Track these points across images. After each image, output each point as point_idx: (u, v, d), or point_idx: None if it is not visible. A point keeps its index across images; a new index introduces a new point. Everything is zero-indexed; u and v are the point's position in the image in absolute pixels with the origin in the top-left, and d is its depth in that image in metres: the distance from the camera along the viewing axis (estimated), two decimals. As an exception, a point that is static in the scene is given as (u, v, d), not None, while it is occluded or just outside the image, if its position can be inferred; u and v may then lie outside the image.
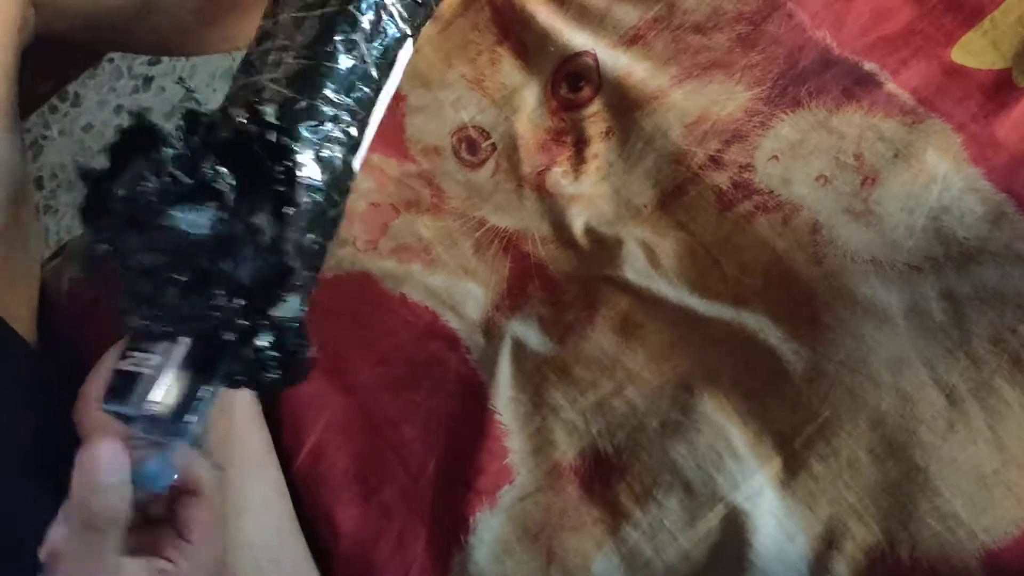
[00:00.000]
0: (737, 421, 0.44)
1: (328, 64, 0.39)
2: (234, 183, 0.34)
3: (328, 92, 0.38)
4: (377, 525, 0.48)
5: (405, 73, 0.56)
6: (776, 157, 0.47)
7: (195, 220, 0.33)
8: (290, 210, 0.34)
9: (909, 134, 0.45)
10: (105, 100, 1.18)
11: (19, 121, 0.57)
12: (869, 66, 0.47)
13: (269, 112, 0.35)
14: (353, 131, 0.40)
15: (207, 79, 1.16)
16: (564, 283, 0.49)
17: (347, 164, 0.39)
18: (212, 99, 1.15)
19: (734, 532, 0.42)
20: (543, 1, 0.54)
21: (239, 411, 0.49)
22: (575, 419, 0.46)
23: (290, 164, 0.35)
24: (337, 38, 0.39)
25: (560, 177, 0.51)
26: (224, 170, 0.34)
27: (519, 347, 0.48)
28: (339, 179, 0.39)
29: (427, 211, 0.53)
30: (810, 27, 0.48)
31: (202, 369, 0.35)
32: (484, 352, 0.49)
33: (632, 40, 0.51)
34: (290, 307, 0.35)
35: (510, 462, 0.46)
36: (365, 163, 0.54)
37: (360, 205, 0.53)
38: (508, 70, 0.54)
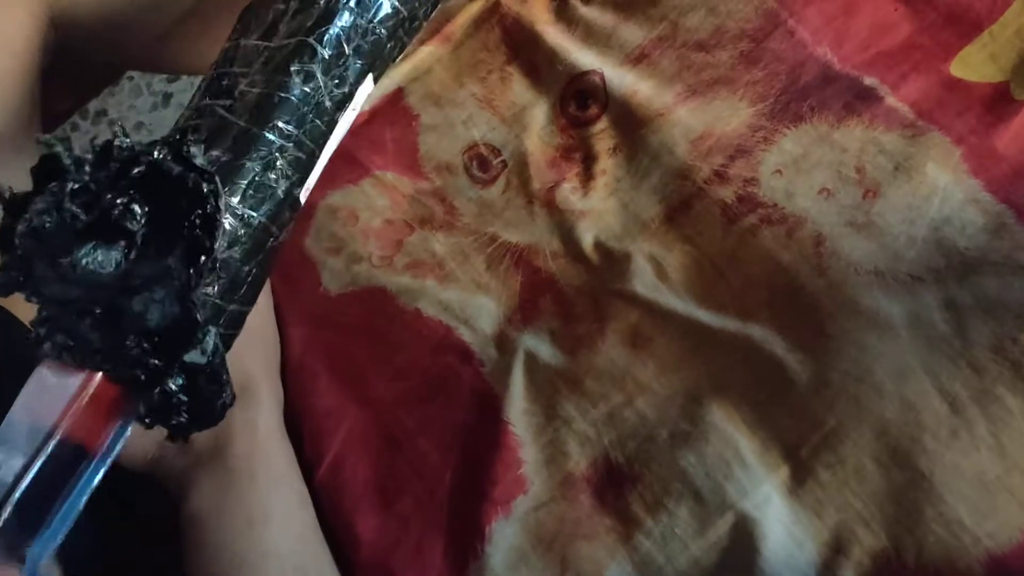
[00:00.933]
0: (745, 431, 0.45)
1: (282, 94, 0.38)
2: (143, 222, 0.32)
3: (279, 122, 0.38)
4: (396, 534, 0.49)
5: (417, 93, 0.57)
6: (780, 171, 0.48)
7: (100, 258, 0.32)
8: (204, 256, 0.33)
9: (909, 147, 0.46)
10: (125, 117, 1.21)
11: (43, 141, 0.58)
12: (869, 81, 0.48)
13: (195, 152, 0.33)
14: (301, 163, 0.39)
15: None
16: (575, 297, 0.50)
17: (291, 195, 0.39)
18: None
19: (743, 539, 0.43)
20: (551, 21, 0.55)
21: (263, 425, 0.50)
22: (587, 430, 0.47)
23: (210, 208, 0.33)
24: (294, 68, 0.39)
25: (569, 193, 0.52)
26: (136, 208, 0.32)
27: (531, 360, 0.49)
28: (280, 210, 0.38)
29: (440, 228, 0.54)
30: (811, 43, 0.49)
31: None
32: (497, 365, 0.50)
33: (638, 59, 0.52)
34: (205, 349, 0.34)
35: (524, 472, 0.47)
36: (379, 182, 0.56)
37: (375, 222, 0.55)
38: (518, 89, 0.55)
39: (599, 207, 0.51)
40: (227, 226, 0.35)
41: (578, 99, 0.53)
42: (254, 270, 0.37)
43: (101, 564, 0.49)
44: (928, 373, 0.42)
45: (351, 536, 0.50)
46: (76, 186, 0.32)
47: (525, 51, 0.55)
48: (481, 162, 0.55)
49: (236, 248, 0.36)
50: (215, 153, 0.36)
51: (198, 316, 0.33)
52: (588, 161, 0.52)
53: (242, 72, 0.39)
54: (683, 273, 0.48)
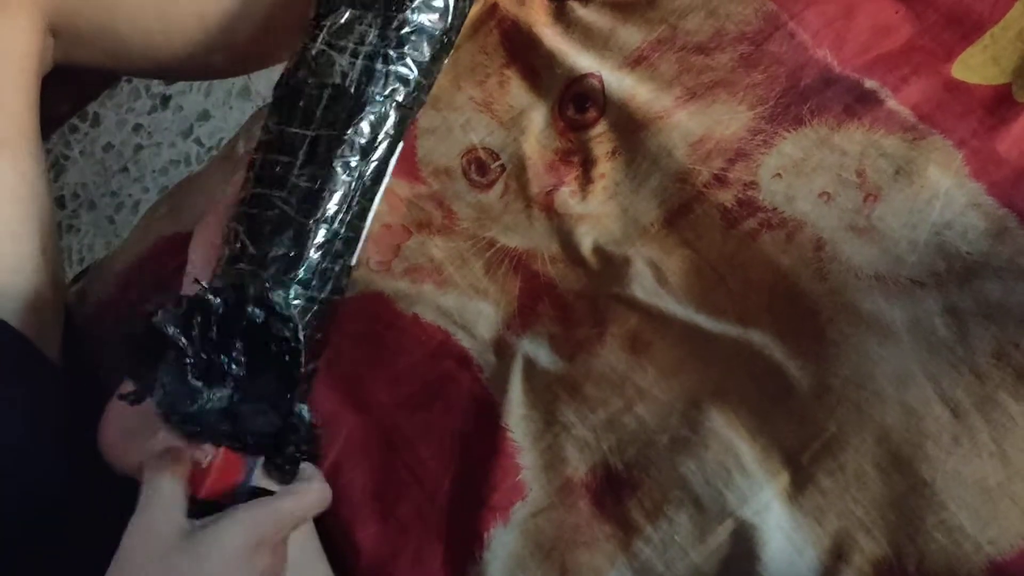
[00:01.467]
0: (745, 437, 0.44)
1: (330, 186, 0.44)
2: (245, 369, 0.41)
3: (330, 211, 0.44)
4: (395, 542, 0.49)
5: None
6: (779, 175, 0.47)
7: (215, 398, 0.41)
8: (294, 382, 0.41)
9: (911, 150, 0.46)
10: (124, 119, 1.21)
11: (41, 145, 0.58)
12: (870, 83, 0.48)
13: (276, 300, 0.42)
14: (352, 241, 0.45)
15: (223, 97, 1.18)
16: (573, 301, 0.50)
17: (346, 266, 0.45)
18: (228, 117, 1.17)
19: (743, 546, 0.43)
20: (549, 24, 0.55)
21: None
22: (586, 436, 0.47)
23: (294, 343, 0.41)
24: (336, 161, 0.44)
25: (568, 197, 0.52)
26: (239, 359, 0.41)
27: (530, 365, 0.49)
28: (339, 283, 0.45)
29: (438, 232, 0.54)
30: (811, 46, 0.49)
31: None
32: (496, 370, 0.50)
33: (636, 61, 0.52)
34: (300, 435, 0.43)
35: (523, 478, 0.47)
36: (377, 186, 0.55)
37: (373, 226, 0.54)
38: (516, 92, 0.55)
39: (598, 211, 0.51)
40: (294, 310, 0.43)
41: (576, 102, 0.53)
42: (322, 335, 0.45)
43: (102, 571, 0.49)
44: (929, 379, 0.42)
45: (350, 543, 0.49)
46: (191, 359, 0.41)
47: (523, 54, 0.55)
48: (479, 166, 0.54)
49: (318, 327, 0.44)
50: (280, 251, 0.43)
51: (296, 423, 0.42)
52: (587, 165, 0.52)
53: (288, 161, 0.44)
54: (683, 278, 0.48)
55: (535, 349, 0.49)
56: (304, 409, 0.43)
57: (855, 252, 0.45)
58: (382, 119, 0.46)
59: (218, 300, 0.41)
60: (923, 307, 0.43)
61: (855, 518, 0.42)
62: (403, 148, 0.56)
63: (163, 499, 0.40)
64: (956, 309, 0.43)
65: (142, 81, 1.20)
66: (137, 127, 1.20)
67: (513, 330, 0.50)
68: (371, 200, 0.46)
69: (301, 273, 0.43)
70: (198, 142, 1.18)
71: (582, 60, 0.53)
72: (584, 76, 0.53)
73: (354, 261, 0.46)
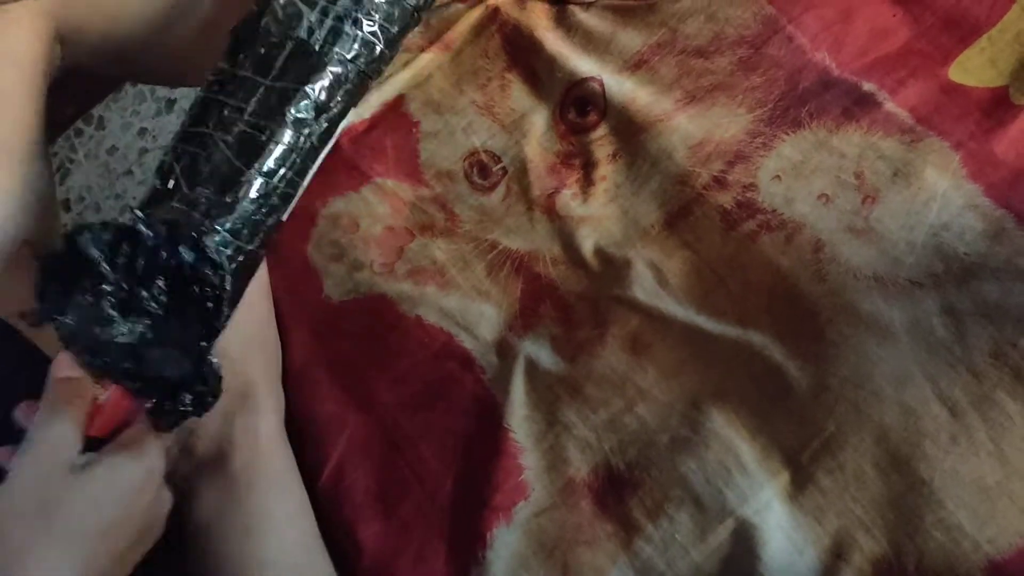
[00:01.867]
0: (745, 436, 0.45)
1: (277, 139, 0.43)
2: (164, 306, 0.40)
3: (272, 163, 0.43)
4: (398, 541, 0.49)
5: (418, 100, 0.58)
6: (779, 177, 0.48)
7: (127, 333, 0.40)
8: (214, 331, 0.40)
9: (908, 152, 0.46)
10: (129, 123, 1.21)
11: (47, 148, 0.59)
12: (868, 86, 0.48)
13: (209, 244, 0.40)
14: (289, 197, 0.44)
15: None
16: (575, 303, 0.50)
17: (277, 221, 0.44)
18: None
19: (744, 545, 0.43)
20: (550, 28, 0.55)
21: (264, 432, 0.50)
22: (588, 436, 0.47)
23: (221, 293, 0.40)
24: (289, 115, 0.43)
25: (569, 199, 0.52)
26: (159, 297, 0.40)
27: (532, 366, 0.50)
28: (268, 237, 0.44)
29: (441, 234, 0.54)
30: (809, 49, 0.49)
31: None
32: (498, 371, 0.50)
33: (636, 65, 0.53)
34: (208, 386, 0.42)
35: (525, 479, 0.47)
36: (380, 189, 0.56)
37: (376, 229, 0.55)
38: (517, 95, 0.55)
39: (599, 213, 0.52)
40: (224, 258, 0.41)
41: (577, 105, 0.53)
42: (241, 288, 0.43)
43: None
44: (928, 379, 0.42)
45: (353, 543, 0.50)
46: (109, 288, 0.39)
47: (525, 58, 0.56)
48: (481, 169, 0.55)
49: (232, 276, 0.41)
50: (207, 191, 0.42)
51: (207, 374, 0.41)
52: (588, 167, 0.52)
53: (238, 106, 0.43)
54: (683, 279, 0.48)
55: (537, 350, 0.50)
56: (215, 361, 0.41)
57: (854, 253, 0.45)
58: (341, 81, 0.44)
59: (151, 232, 0.39)
60: (921, 307, 0.43)
61: (854, 517, 0.42)
62: (406, 151, 0.57)
63: (57, 436, 0.40)
64: (954, 309, 0.43)
65: (147, 86, 1.21)
66: (142, 131, 1.21)
67: (515, 331, 0.51)
68: (313, 161, 0.45)
69: (232, 221, 0.42)
70: (202, 145, 1.18)
71: (583, 64, 0.53)
72: (585, 80, 0.53)
73: (284, 217, 0.45)
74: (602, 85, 0.52)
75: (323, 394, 0.53)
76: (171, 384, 0.41)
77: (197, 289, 0.40)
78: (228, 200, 0.42)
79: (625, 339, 0.48)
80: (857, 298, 0.44)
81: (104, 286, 0.39)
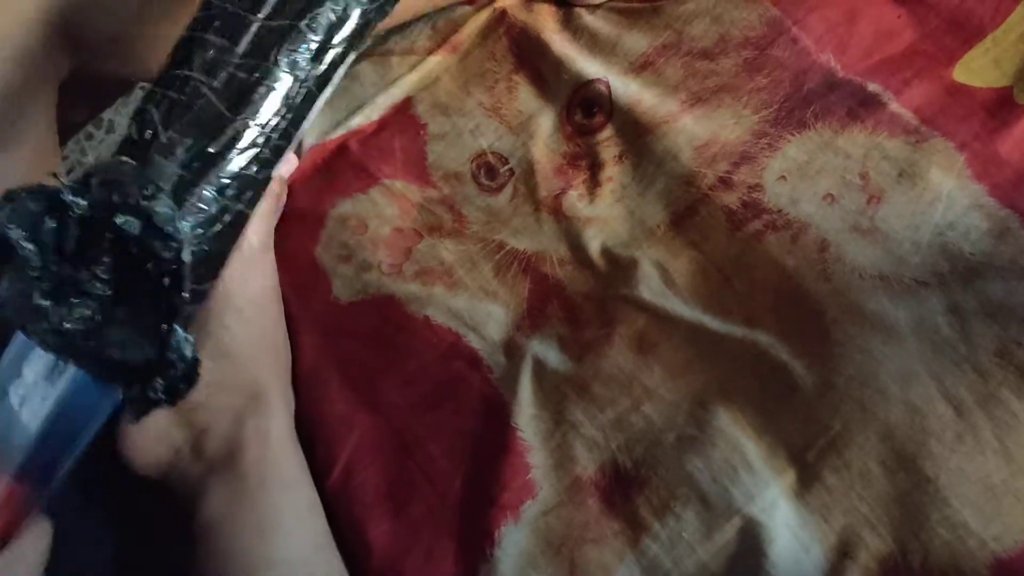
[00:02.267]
0: (751, 435, 0.45)
1: (269, 83, 0.38)
2: (109, 287, 0.34)
3: (263, 111, 0.38)
4: (407, 540, 0.50)
5: (426, 102, 0.58)
6: (784, 177, 0.48)
7: (74, 316, 0.34)
8: (174, 311, 0.35)
9: (913, 153, 0.46)
10: (138, 126, 1.22)
11: (58, 151, 0.60)
12: (873, 87, 0.48)
13: (161, 212, 0.34)
14: (281, 150, 0.39)
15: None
16: (582, 303, 0.51)
17: (268, 177, 0.39)
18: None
19: (750, 543, 0.43)
20: (557, 30, 0.56)
21: (274, 432, 0.50)
22: (595, 435, 0.48)
23: (177, 268, 0.34)
24: (283, 56, 0.38)
25: (576, 200, 0.53)
26: (101, 277, 0.34)
27: (539, 366, 0.50)
28: (256, 196, 0.39)
29: (449, 235, 0.55)
30: (814, 51, 0.50)
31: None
32: (506, 371, 0.51)
33: (642, 67, 0.53)
34: (180, 370, 0.36)
35: (532, 477, 0.48)
36: (388, 190, 0.56)
37: (384, 231, 0.55)
38: (524, 97, 0.56)
39: (605, 214, 0.52)
40: (208, 215, 0.36)
41: (584, 107, 0.54)
42: (225, 252, 0.38)
43: (116, 574, 0.49)
44: (933, 377, 0.42)
45: (362, 542, 0.50)
46: (36, 272, 0.34)
47: (531, 60, 0.56)
48: (489, 170, 0.55)
49: (215, 239, 0.37)
50: (187, 140, 0.36)
51: (174, 359, 0.35)
52: (594, 168, 0.53)
53: (226, 46, 0.37)
54: (689, 279, 0.49)
55: (544, 350, 0.50)
56: (185, 341, 0.35)
57: (859, 253, 0.45)
58: (342, 20, 0.39)
59: (81, 201, 0.33)
60: (927, 307, 0.44)
61: (860, 515, 0.42)
62: (413, 153, 0.57)
63: None
64: (959, 309, 0.43)
65: (156, 89, 1.21)
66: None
67: (522, 331, 0.51)
68: (309, 109, 0.40)
69: (219, 176, 0.36)
70: (211, 148, 1.19)
71: (589, 66, 0.54)
72: (591, 82, 0.53)
73: (274, 174, 0.40)
74: (608, 87, 0.53)
75: (332, 395, 0.53)
76: (138, 369, 0.36)
77: (150, 265, 0.34)
78: (212, 151, 0.36)
79: (631, 339, 0.49)
80: (862, 297, 0.45)
81: (30, 270, 0.34)
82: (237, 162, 0.37)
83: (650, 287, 0.49)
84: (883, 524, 0.42)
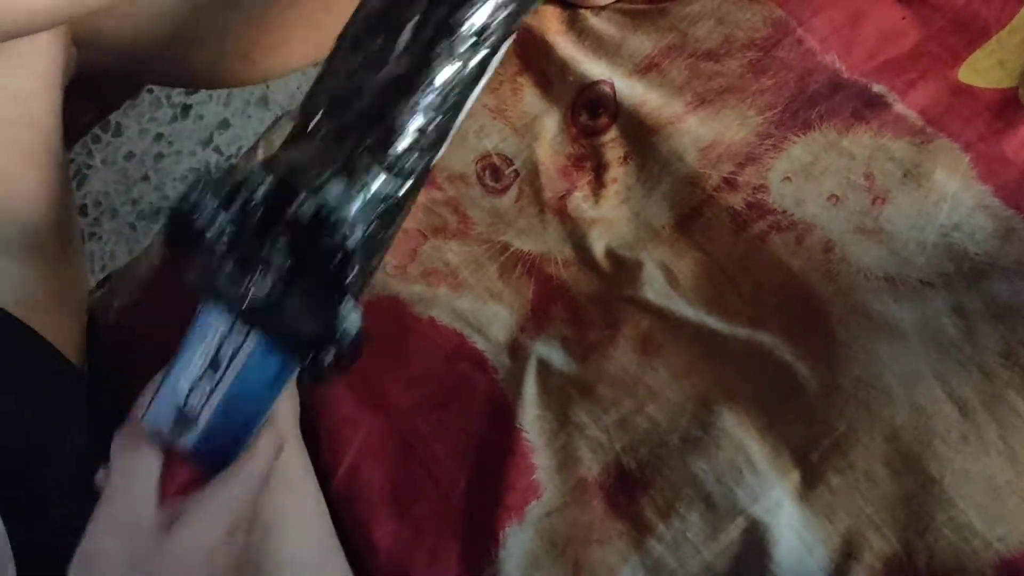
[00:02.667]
0: (755, 436, 0.45)
1: (432, 72, 0.40)
2: (286, 263, 0.37)
3: (426, 99, 0.40)
4: (412, 540, 0.50)
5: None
6: (789, 178, 0.48)
7: (250, 291, 0.38)
8: (343, 291, 0.38)
9: (918, 154, 0.46)
10: (146, 129, 1.22)
11: (65, 153, 0.60)
12: (878, 88, 0.48)
13: (332, 201, 0.37)
14: (443, 135, 0.41)
15: (242, 106, 1.19)
16: (586, 304, 0.51)
17: (430, 163, 0.42)
18: (247, 126, 1.19)
19: (755, 544, 0.43)
20: (562, 32, 0.56)
21: (279, 433, 0.50)
22: (599, 436, 0.48)
23: (348, 252, 0.37)
24: (446, 46, 0.40)
25: (581, 201, 0.53)
26: (281, 252, 0.37)
27: (544, 367, 0.50)
28: (418, 184, 0.41)
29: (453, 236, 0.55)
30: (819, 52, 0.50)
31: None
32: (510, 372, 0.51)
33: (647, 68, 0.53)
34: (351, 324, 0.39)
35: (537, 478, 0.48)
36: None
37: (389, 232, 0.56)
38: (529, 99, 0.56)
39: (610, 215, 0.52)
40: (375, 198, 0.39)
41: (589, 108, 0.54)
42: (389, 232, 0.41)
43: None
44: (938, 378, 0.42)
45: (367, 542, 0.50)
46: (222, 249, 0.37)
47: (536, 61, 0.56)
48: (493, 171, 0.55)
49: (380, 220, 0.39)
50: (363, 135, 0.38)
51: (342, 337, 0.38)
52: (599, 170, 0.53)
53: (387, 41, 0.40)
54: (694, 280, 0.49)
55: (549, 351, 0.50)
56: (354, 317, 0.39)
57: (864, 254, 0.45)
58: (501, 3, 0.41)
59: (263, 185, 0.37)
60: (932, 307, 0.44)
61: (865, 516, 0.42)
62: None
63: (133, 501, 0.39)
64: (964, 309, 0.43)
65: (163, 91, 1.22)
66: (158, 136, 1.22)
67: (527, 333, 0.51)
68: (471, 92, 0.42)
69: (383, 163, 0.39)
70: (217, 151, 1.20)
71: (594, 67, 0.54)
72: (596, 83, 0.53)
73: (436, 160, 0.42)
74: (613, 88, 0.53)
75: (337, 395, 0.53)
76: (312, 341, 0.39)
77: (320, 247, 0.37)
78: (377, 139, 0.39)
79: (636, 340, 0.49)
80: (867, 298, 0.45)
81: (220, 244, 0.37)
82: (400, 148, 0.39)
83: (655, 288, 0.49)
84: (888, 525, 0.42)
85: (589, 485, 0.47)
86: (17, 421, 0.49)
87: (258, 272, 0.37)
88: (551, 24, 0.56)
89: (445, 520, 0.49)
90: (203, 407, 0.41)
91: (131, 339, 0.60)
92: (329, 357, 0.39)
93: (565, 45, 0.55)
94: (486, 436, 0.50)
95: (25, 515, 0.46)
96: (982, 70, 0.47)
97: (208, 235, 0.37)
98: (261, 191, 0.37)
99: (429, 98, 0.40)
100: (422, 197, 0.56)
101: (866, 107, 0.48)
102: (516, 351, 0.51)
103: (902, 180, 0.46)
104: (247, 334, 0.40)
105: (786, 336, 0.46)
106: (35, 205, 0.55)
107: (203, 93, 1.20)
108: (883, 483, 0.42)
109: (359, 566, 0.50)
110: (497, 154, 0.55)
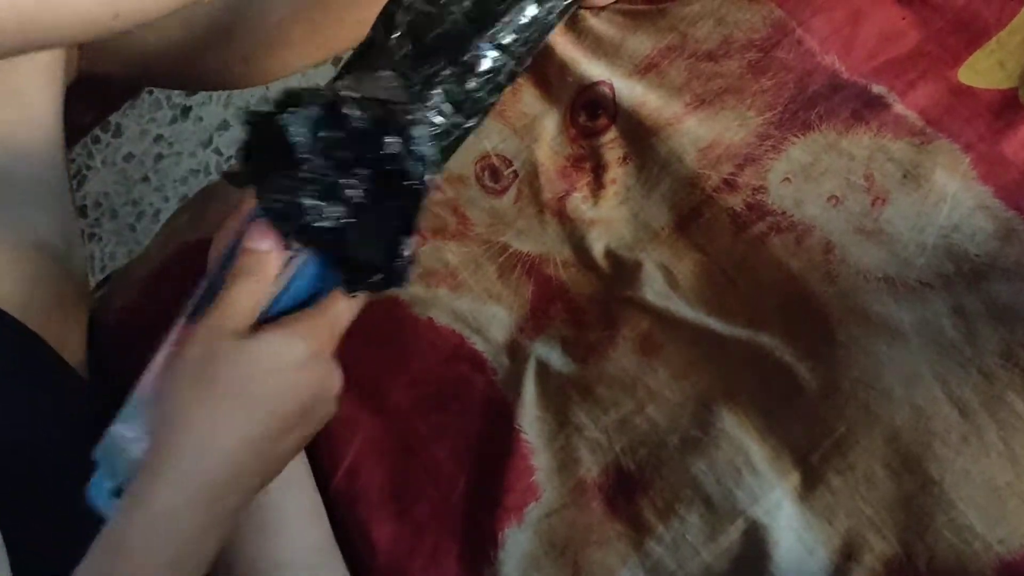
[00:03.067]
0: (755, 437, 0.45)
1: (515, 7, 0.40)
2: (364, 196, 0.38)
3: (507, 35, 0.40)
4: (411, 541, 0.50)
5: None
6: (788, 179, 0.48)
7: (324, 214, 0.38)
8: (410, 226, 0.38)
9: (918, 155, 0.46)
10: (146, 130, 1.22)
11: (66, 154, 0.60)
12: (877, 89, 0.48)
13: (416, 136, 0.37)
14: (514, 75, 0.42)
15: (242, 107, 1.19)
16: (586, 305, 0.51)
17: (495, 102, 0.42)
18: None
19: (754, 546, 0.43)
20: (561, 32, 0.56)
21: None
22: (598, 437, 0.48)
23: (420, 186, 0.37)
24: None
25: (580, 202, 0.53)
26: (360, 185, 0.37)
27: (543, 368, 0.50)
28: (484, 116, 0.42)
29: (453, 237, 0.55)
30: (819, 52, 0.50)
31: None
32: (509, 373, 0.51)
33: (646, 69, 0.53)
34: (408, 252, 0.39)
35: (536, 479, 0.48)
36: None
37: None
38: (528, 100, 0.56)
39: (609, 216, 0.52)
40: (442, 130, 0.39)
41: (588, 109, 0.54)
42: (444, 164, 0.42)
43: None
44: (938, 379, 0.42)
45: (367, 543, 0.50)
46: (307, 174, 0.37)
47: (536, 62, 0.56)
48: (493, 172, 0.55)
49: (442, 153, 0.40)
50: (441, 65, 0.39)
51: (398, 267, 0.39)
52: (598, 170, 0.53)
53: None
54: (693, 281, 0.49)
55: (548, 352, 0.50)
56: (410, 247, 0.39)
57: (864, 255, 0.45)
58: None
59: (357, 114, 0.37)
60: (932, 308, 0.44)
61: (865, 517, 0.42)
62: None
63: (231, 303, 0.40)
64: (964, 310, 0.43)
65: (163, 93, 1.22)
66: (158, 138, 1.22)
67: (526, 333, 0.51)
68: (543, 39, 0.43)
69: (455, 94, 0.39)
70: (217, 152, 1.20)
71: (593, 68, 0.54)
72: (595, 84, 0.53)
73: (499, 98, 0.43)
74: (612, 89, 0.53)
75: (337, 396, 0.53)
76: (363, 265, 0.40)
77: (399, 182, 0.37)
78: (456, 70, 0.39)
79: (636, 340, 0.49)
80: (867, 299, 0.44)
81: (304, 171, 0.37)
82: (474, 82, 0.39)
83: (654, 289, 0.49)
84: (888, 526, 0.42)
85: (588, 486, 0.47)
86: (17, 422, 0.49)
87: (332, 202, 0.37)
88: (551, 25, 0.56)
89: (444, 521, 0.49)
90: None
91: (131, 340, 0.60)
92: (378, 280, 0.40)
93: (564, 46, 0.55)
94: (485, 437, 0.50)
95: (23, 516, 0.46)
96: (982, 71, 0.47)
97: (294, 160, 0.37)
98: (356, 126, 0.37)
99: (508, 38, 0.40)
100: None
101: (866, 108, 0.48)
102: (515, 352, 0.51)
103: (902, 181, 0.46)
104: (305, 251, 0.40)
105: (786, 337, 0.46)
106: (34, 205, 0.55)
107: (203, 95, 1.20)
108: (883, 484, 0.42)
109: (358, 567, 0.50)
110: (496, 155, 0.55)
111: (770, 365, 0.45)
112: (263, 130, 0.38)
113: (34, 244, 0.54)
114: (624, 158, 0.52)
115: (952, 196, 0.45)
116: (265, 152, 0.38)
